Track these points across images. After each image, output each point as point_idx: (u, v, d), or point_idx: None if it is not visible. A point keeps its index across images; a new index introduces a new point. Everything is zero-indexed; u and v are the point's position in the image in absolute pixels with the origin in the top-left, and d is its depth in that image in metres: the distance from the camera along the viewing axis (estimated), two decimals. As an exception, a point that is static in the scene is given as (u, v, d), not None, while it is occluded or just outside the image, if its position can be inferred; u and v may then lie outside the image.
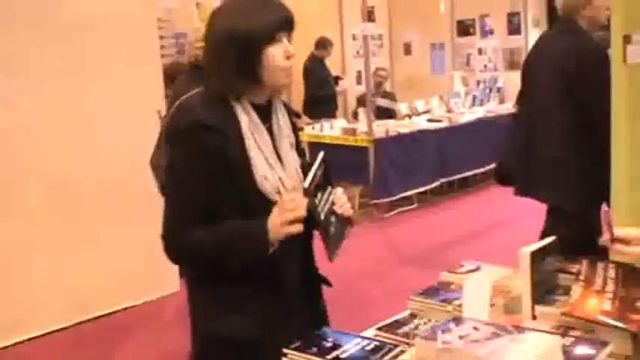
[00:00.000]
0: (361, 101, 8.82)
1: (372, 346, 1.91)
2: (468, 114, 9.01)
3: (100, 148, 5.23)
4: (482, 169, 8.76)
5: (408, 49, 10.79)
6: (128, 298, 5.39)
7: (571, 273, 2.19)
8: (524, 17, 9.61)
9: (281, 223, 1.95)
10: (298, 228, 1.95)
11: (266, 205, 2.01)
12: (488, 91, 9.69)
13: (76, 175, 5.11)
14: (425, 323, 2.11)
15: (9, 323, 4.82)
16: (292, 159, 2.15)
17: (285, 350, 1.89)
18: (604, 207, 3.46)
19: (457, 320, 1.75)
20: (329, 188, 2.09)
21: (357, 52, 10.55)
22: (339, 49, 10.43)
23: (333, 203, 2.10)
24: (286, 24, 2.04)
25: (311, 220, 1.98)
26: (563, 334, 1.89)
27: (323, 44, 8.79)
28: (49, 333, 4.96)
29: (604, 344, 1.73)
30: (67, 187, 5.07)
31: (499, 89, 9.74)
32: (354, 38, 10.73)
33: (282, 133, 2.14)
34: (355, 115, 8.97)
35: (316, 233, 2.08)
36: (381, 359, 1.84)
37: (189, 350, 2.23)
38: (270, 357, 1.92)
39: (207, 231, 2.02)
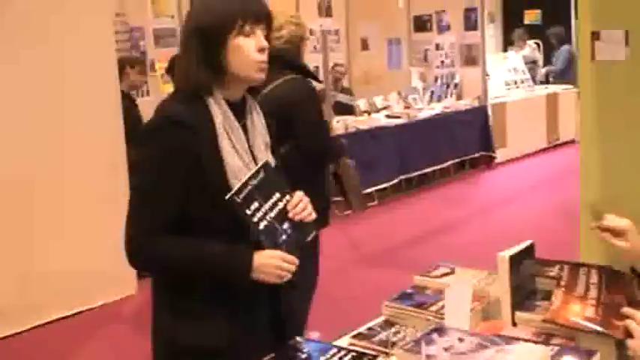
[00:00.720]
0: (319, 97, 8.74)
1: (349, 357, 1.84)
2: (426, 110, 9.00)
3: (50, 147, 5.05)
4: (441, 166, 8.77)
5: (365, 45, 10.73)
6: (85, 301, 5.22)
7: (548, 277, 2.15)
8: (481, 13, 9.64)
9: (275, 267, 1.92)
10: (284, 279, 1.95)
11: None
12: (445, 87, 9.71)
13: (27, 174, 4.93)
14: (401, 330, 2.04)
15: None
16: (266, 158, 2.07)
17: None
18: None
19: (440, 330, 1.68)
20: (275, 194, 2.00)
21: (315, 48, 10.45)
22: (295, 44, 10.32)
23: (285, 211, 2.00)
24: (254, 15, 1.97)
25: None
26: (545, 342, 1.84)
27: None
28: (3, 338, 4.78)
29: (591, 354, 1.69)
30: (17, 186, 4.89)
31: (456, 85, 9.76)
32: (310, 33, 10.62)
33: (256, 131, 2.06)
34: (314, 112, 8.89)
35: None
36: (358, 371, 1.77)
37: (148, 354, 2.12)
38: None
39: (180, 243, 1.93)
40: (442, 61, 10.10)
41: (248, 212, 1.90)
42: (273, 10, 2.09)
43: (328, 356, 1.83)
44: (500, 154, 9.65)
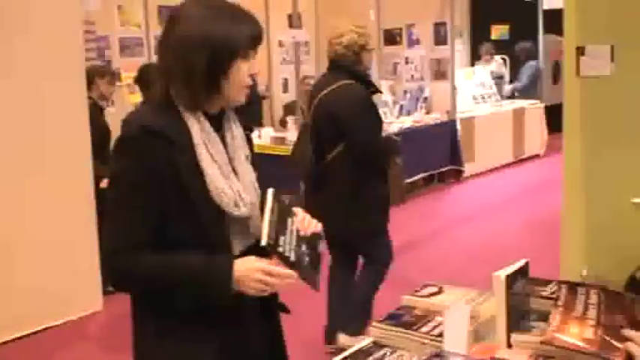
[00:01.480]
0: (289, 109, 8.66)
1: (342, 382, 1.75)
2: (395, 124, 8.97)
3: (12, 161, 4.87)
4: (410, 180, 8.73)
5: (334, 57, 10.71)
6: (49, 318, 5.04)
7: (542, 297, 2.09)
8: (451, 27, 9.66)
9: (255, 280, 1.82)
10: (269, 292, 1.87)
11: (221, 218, 1.87)
12: (415, 100, 9.68)
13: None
14: (392, 353, 1.96)
15: None
16: (247, 171, 2.00)
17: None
18: None
19: (442, 357, 1.61)
20: (288, 220, 1.93)
21: (284, 59, 10.41)
22: (265, 55, 10.25)
23: (298, 232, 1.94)
24: (258, 40, 1.94)
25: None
26: (544, 365, 1.78)
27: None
28: (-38, 358, 4.60)
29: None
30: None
31: (426, 99, 9.75)
32: (280, 45, 10.57)
33: (236, 143, 1.99)
34: (283, 124, 8.81)
35: None
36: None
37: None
38: None
39: (159, 257, 1.83)
40: (412, 75, 10.10)
41: (283, 251, 1.84)
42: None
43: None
44: (468, 168, 9.66)
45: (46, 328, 5.01)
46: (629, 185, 2.98)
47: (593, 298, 1.92)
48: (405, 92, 9.91)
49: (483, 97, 10.70)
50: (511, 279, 1.94)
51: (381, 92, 4.59)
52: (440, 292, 2.27)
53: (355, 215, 4.09)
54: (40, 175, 4.94)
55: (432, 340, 1.91)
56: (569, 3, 2.97)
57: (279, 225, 1.88)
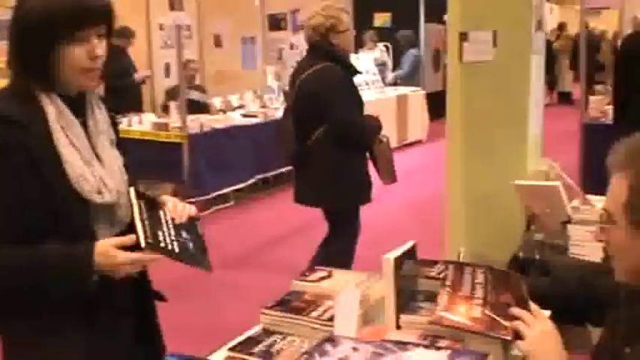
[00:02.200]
0: (170, 94, 8.45)
1: (231, 371, 1.70)
2: (282, 109, 8.92)
3: None
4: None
5: (218, 42, 10.53)
6: None
7: (430, 277, 2.11)
8: (335, 14, 9.69)
9: (117, 263, 1.73)
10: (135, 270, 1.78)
11: (83, 207, 1.78)
12: (300, 86, 9.67)
13: None
14: (282, 339, 1.93)
15: None
16: (113, 157, 1.91)
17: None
18: None
19: (332, 341, 1.59)
20: (160, 213, 1.86)
21: (165, 43, 10.15)
22: (144, 39, 9.97)
23: (174, 222, 1.87)
24: (91, 16, 1.78)
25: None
26: (432, 344, 1.79)
27: (123, 33, 8.30)
28: None
29: (484, 356, 1.65)
30: None
31: (311, 85, 9.75)
32: (161, 28, 10.29)
33: (98, 128, 1.88)
34: (165, 109, 8.59)
35: None
36: (242, 386, 1.64)
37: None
38: None
39: (21, 249, 1.72)
40: (297, 61, 10.07)
41: (165, 246, 1.76)
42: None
43: (208, 372, 1.69)
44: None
45: None
46: (509, 168, 3.08)
47: (480, 278, 1.95)
48: (291, 78, 9.88)
49: (367, 84, 10.83)
50: (399, 261, 1.95)
51: (360, 72, 4.70)
52: (329, 276, 2.25)
53: (338, 194, 4.20)
54: None
55: (322, 324, 1.89)
56: (452, -11, 3.03)
57: (152, 221, 1.80)
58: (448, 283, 1.93)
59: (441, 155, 3.41)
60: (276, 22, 10.23)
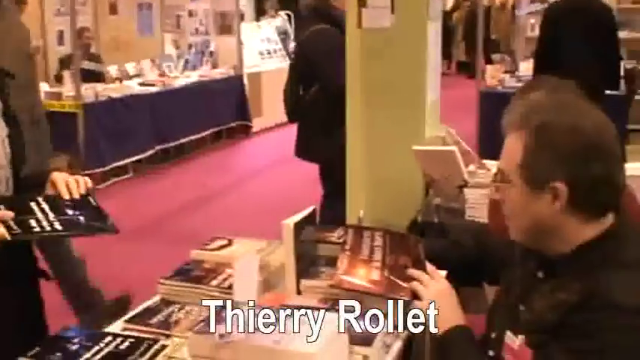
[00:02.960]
0: (64, 63, 8.14)
1: (127, 343, 1.66)
2: (181, 78, 8.77)
3: None
4: (198, 135, 8.63)
5: (113, 9, 10.17)
6: None
7: (331, 242, 2.11)
8: (235, -20, 9.56)
9: None
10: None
11: None
12: (200, 55, 9.51)
13: None
14: (180, 309, 1.89)
15: None
16: None
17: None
18: None
19: (230, 307, 1.56)
20: (32, 204, 1.78)
21: (58, 10, 9.73)
22: (37, 6, 9.53)
23: (56, 202, 1.79)
24: None
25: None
26: (332, 307, 1.80)
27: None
28: None
29: (384, 316, 1.66)
30: None
31: (211, 53, 9.60)
32: (53, -5, 9.87)
33: None
34: (59, 79, 8.28)
35: None
36: (139, 358, 1.60)
37: None
38: None
39: None
40: (196, 29, 9.89)
41: (42, 230, 1.71)
42: None
43: (102, 345, 1.64)
44: (256, 123, 9.70)
45: None
46: (408, 134, 3.10)
47: (378, 241, 1.96)
48: (190, 46, 9.70)
49: (269, 53, 10.74)
50: (299, 226, 1.94)
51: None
52: (229, 244, 2.22)
53: (331, 148, 4.12)
54: None
55: (221, 292, 1.86)
56: (351, -46, 3.00)
57: (23, 210, 1.73)
58: (347, 247, 1.93)
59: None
60: (173, -12, 10.00)
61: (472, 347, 1.66)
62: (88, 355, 1.59)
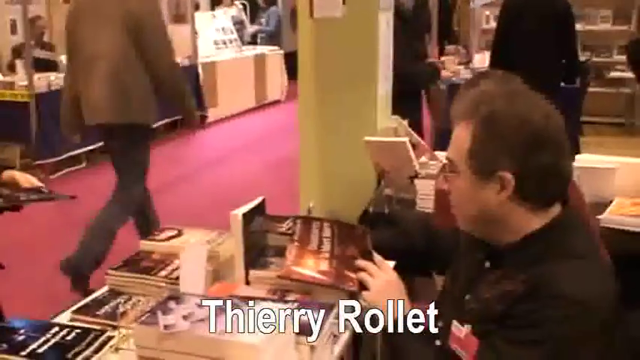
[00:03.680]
0: (17, 52, 8.00)
1: (73, 334, 1.65)
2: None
3: None
4: (161, 122, 8.53)
5: (67, -3, 10.02)
6: None
7: (280, 233, 2.12)
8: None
9: None
10: None
11: None
12: (154, 44, 9.38)
13: None
14: (128, 300, 1.88)
15: None
16: None
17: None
18: None
19: (177, 298, 1.55)
20: None
21: (11, -1, 9.54)
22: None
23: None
24: None
25: None
26: (281, 298, 1.80)
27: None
28: None
29: (331, 306, 1.67)
30: None
31: (166, 42, 9.48)
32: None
33: None
34: (11, 68, 8.13)
35: None
36: (86, 349, 1.59)
37: None
38: None
39: None
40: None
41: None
42: None
43: (49, 336, 1.62)
44: (211, 114, 9.63)
45: None
46: (360, 125, 3.13)
47: (327, 232, 1.97)
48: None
49: (225, 43, 10.67)
50: (248, 217, 1.94)
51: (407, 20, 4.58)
52: (179, 234, 2.22)
53: None
54: None
55: (168, 283, 1.86)
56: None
57: None
58: (296, 237, 1.94)
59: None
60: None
61: (418, 336, 1.68)
62: (34, 345, 1.58)
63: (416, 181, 2.84)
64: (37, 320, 1.73)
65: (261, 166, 7.59)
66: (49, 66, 7.90)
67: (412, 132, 3.23)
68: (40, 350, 1.56)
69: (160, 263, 2.01)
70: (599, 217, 2.51)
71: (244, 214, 1.92)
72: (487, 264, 1.61)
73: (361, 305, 1.73)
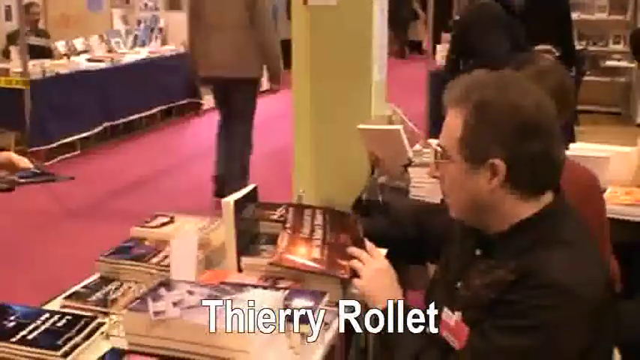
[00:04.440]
0: (12, 39, 7.95)
1: (64, 320, 1.64)
2: (130, 54, 8.62)
3: None
4: (148, 112, 8.51)
5: (61, -17, 9.97)
6: None
7: (272, 220, 2.12)
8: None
9: None
10: None
11: None
12: (149, 31, 9.35)
13: None
14: (119, 287, 1.88)
15: None
16: None
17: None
18: None
19: (168, 285, 1.55)
20: None
21: (5, -16, 9.49)
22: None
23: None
24: None
25: None
26: (273, 286, 1.80)
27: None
28: None
29: (322, 294, 1.67)
30: None
31: (161, 30, 9.45)
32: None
33: None
34: (6, 54, 8.09)
35: None
36: (76, 335, 1.58)
37: None
38: None
39: None
40: (145, 4, 9.72)
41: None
42: None
43: (39, 322, 1.62)
44: (206, 101, 9.59)
45: None
46: (354, 112, 3.12)
47: (319, 219, 1.96)
48: (139, 22, 9.53)
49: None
50: (240, 204, 1.94)
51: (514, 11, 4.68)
52: (171, 222, 2.21)
53: None
54: None
55: (159, 270, 1.86)
56: None
57: None
58: (288, 225, 1.93)
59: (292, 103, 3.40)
60: (122, -36, 9.81)
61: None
62: (24, 332, 1.57)
63: (410, 169, 2.83)
64: (28, 307, 1.72)
65: (255, 154, 7.57)
66: (43, 53, 7.86)
67: (407, 119, 3.22)
68: (31, 336, 1.56)
69: (152, 250, 2.01)
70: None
71: (236, 202, 1.92)
72: (478, 252, 1.60)
73: (354, 293, 1.73)
